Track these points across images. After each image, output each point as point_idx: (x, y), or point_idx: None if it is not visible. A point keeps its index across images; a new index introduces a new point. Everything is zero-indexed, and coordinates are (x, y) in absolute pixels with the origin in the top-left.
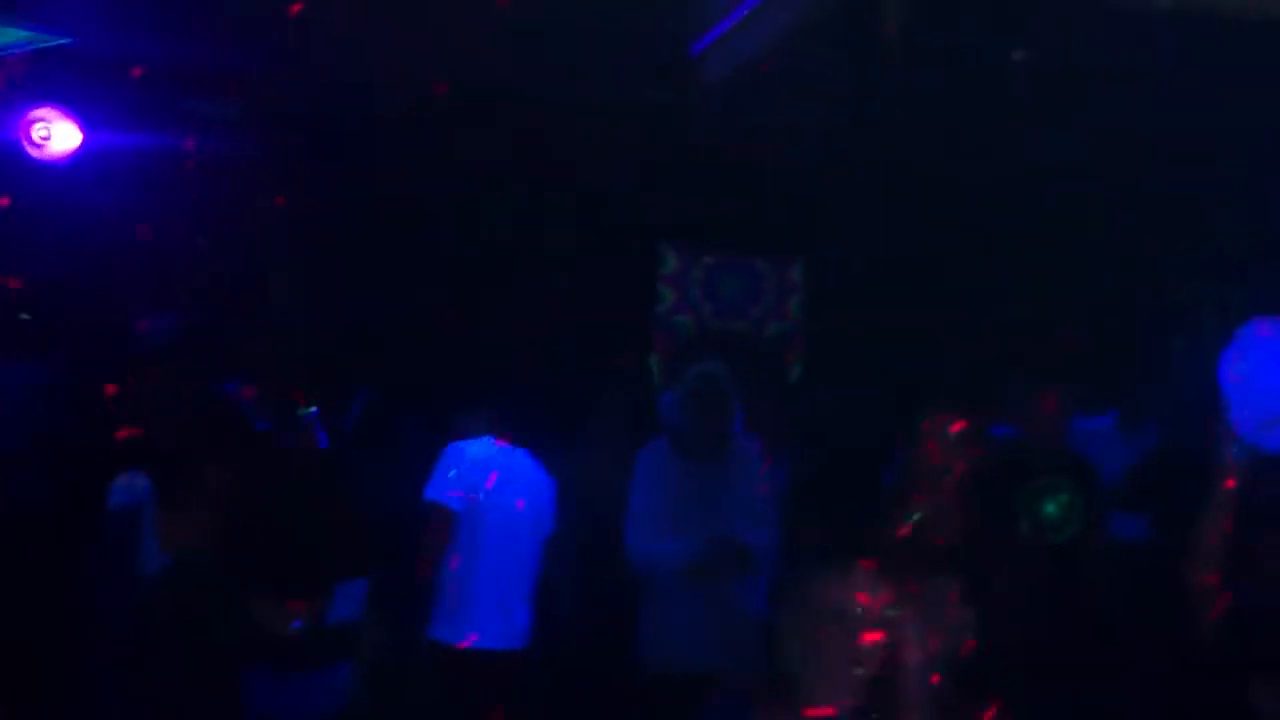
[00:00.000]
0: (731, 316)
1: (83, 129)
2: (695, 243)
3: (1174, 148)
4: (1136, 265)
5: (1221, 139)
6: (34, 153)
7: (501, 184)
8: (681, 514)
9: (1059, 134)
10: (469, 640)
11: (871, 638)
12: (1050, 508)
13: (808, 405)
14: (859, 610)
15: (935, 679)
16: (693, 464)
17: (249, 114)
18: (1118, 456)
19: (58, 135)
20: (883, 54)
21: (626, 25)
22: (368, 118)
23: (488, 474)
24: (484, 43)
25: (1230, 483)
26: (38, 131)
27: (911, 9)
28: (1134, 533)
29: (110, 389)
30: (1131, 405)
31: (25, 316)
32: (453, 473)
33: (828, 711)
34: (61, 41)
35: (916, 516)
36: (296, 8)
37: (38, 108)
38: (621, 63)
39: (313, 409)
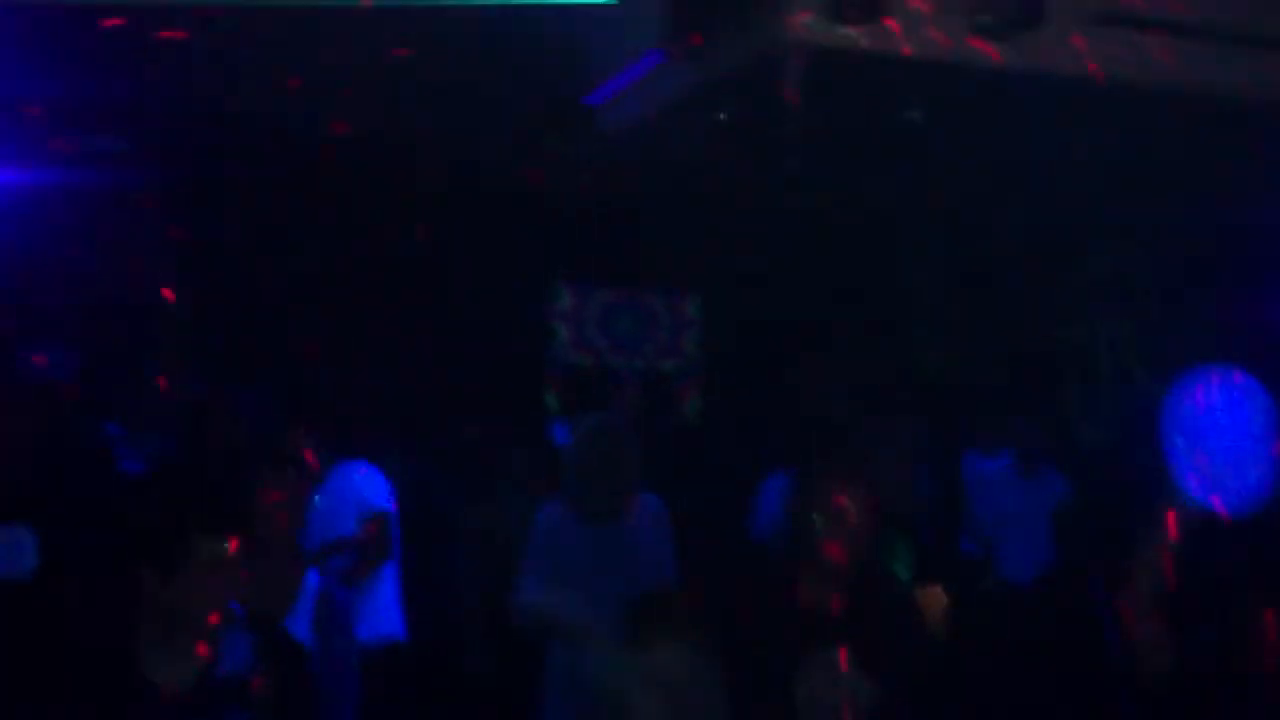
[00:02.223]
0: (628, 353)
1: None
2: (589, 280)
3: (1056, 196)
4: (1026, 307)
5: (1102, 184)
6: None
7: (397, 221)
8: (576, 580)
9: (946, 182)
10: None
11: None
12: (900, 565)
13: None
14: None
15: None
16: (589, 526)
17: (141, 148)
18: (1016, 499)
19: None
20: (781, 113)
21: (525, 74)
22: (265, 153)
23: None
24: (382, 85)
25: (1172, 530)
26: None
27: (810, 73)
28: (1021, 575)
29: None
30: (1026, 447)
31: None
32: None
33: None
34: None
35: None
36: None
37: None
38: (519, 109)
39: None
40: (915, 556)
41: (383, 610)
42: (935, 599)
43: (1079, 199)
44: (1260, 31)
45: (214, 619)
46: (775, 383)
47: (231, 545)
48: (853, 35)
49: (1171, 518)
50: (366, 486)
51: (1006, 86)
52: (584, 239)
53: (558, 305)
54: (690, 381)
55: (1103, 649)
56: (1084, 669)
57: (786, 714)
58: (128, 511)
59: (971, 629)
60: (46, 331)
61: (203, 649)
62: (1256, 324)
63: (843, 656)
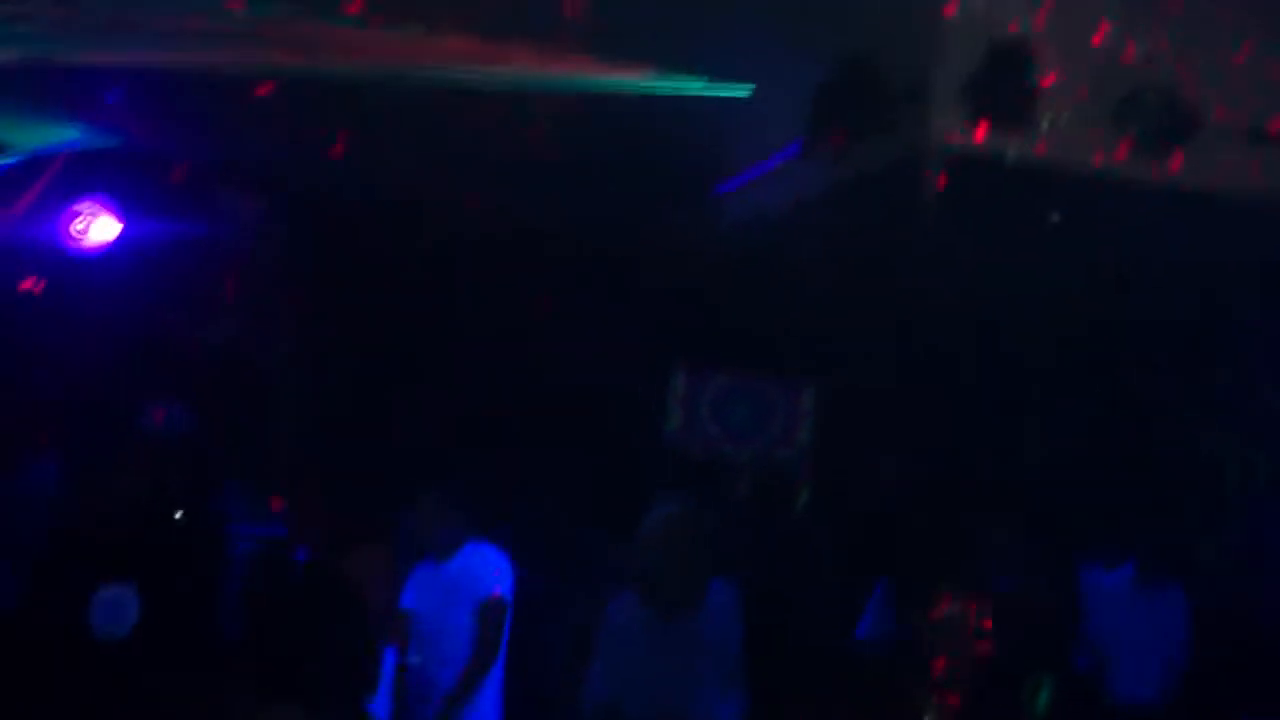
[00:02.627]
0: (739, 440)
1: (120, 221)
2: (705, 364)
3: (1193, 303)
4: (1159, 416)
5: (1242, 295)
6: (72, 244)
7: (520, 296)
8: (645, 675)
9: (1082, 284)
10: None
11: None
12: (1043, 699)
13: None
14: None
15: None
16: (660, 618)
17: (275, 211)
18: (1136, 614)
19: (96, 228)
20: (916, 213)
21: (660, 160)
22: (396, 223)
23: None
24: (519, 164)
25: None
26: (77, 224)
27: (950, 177)
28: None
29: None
30: (1148, 560)
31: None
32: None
33: None
34: (109, 142)
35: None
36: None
37: (80, 201)
38: (652, 193)
39: None
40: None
41: (483, 704)
42: None
43: (1217, 307)
44: None
45: None
46: (884, 482)
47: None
48: (997, 142)
49: None
50: (490, 570)
51: (1149, 197)
52: (706, 324)
53: (673, 389)
54: (801, 474)
55: None
56: None
57: None
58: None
59: None
60: (164, 388)
61: None
62: None
63: None
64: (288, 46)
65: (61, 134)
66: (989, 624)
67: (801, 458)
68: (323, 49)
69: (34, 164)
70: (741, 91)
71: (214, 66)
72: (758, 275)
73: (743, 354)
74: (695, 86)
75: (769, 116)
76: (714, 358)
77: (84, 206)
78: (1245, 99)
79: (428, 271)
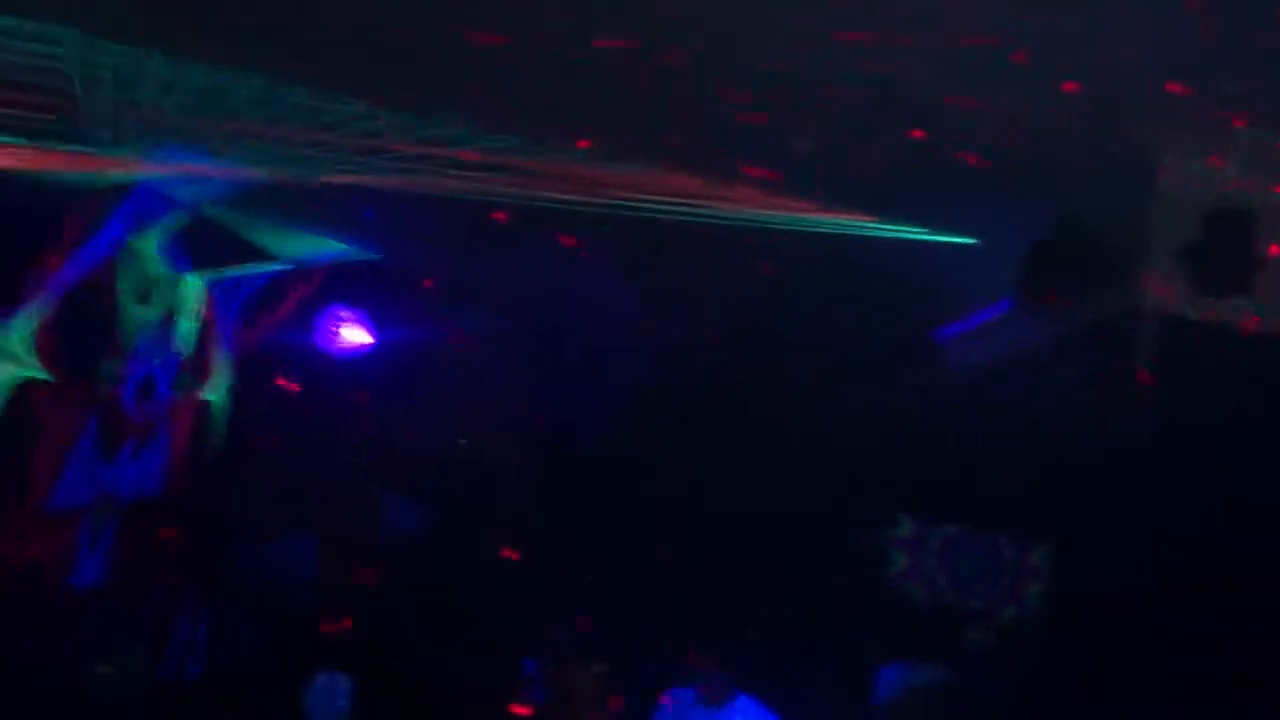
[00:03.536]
0: (966, 593)
1: (371, 330)
2: (933, 514)
3: None
4: None
5: None
6: (327, 346)
7: (743, 436)
8: None
9: None
10: None
11: None
12: None
13: None
14: None
15: None
16: None
17: (513, 330)
18: None
19: (350, 334)
20: (1130, 375)
21: (882, 302)
22: (628, 351)
23: None
24: (747, 298)
25: None
26: (334, 329)
27: (1164, 342)
28: None
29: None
30: None
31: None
32: None
33: None
34: (368, 256)
35: None
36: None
37: (337, 308)
38: (872, 335)
39: None
40: None
41: None
42: None
43: None
44: None
45: None
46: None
47: None
48: (1214, 308)
49: None
50: None
51: None
52: (930, 472)
53: (898, 534)
54: (1030, 633)
55: None
56: None
57: None
58: None
59: None
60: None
61: None
62: None
63: None
64: (523, 176)
65: (326, 246)
66: None
67: (1030, 617)
68: (552, 180)
69: (298, 273)
70: (964, 240)
71: (454, 191)
72: (981, 424)
73: (971, 505)
74: (918, 233)
75: (993, 263)
76: (941, 507)
77: (341, 313)
78: None
79: (652, 401)
